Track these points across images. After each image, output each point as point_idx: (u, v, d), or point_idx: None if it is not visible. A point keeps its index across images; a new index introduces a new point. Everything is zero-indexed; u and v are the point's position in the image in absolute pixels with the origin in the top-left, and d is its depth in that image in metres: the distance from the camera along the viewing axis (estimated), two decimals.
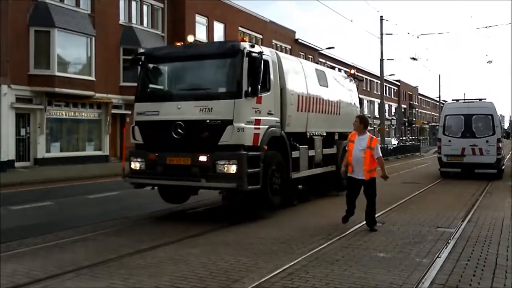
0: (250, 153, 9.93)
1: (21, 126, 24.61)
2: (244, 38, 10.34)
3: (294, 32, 53.65)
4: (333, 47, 54.47)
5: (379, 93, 49.23)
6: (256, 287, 5.87)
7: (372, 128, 66.99)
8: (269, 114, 10.71)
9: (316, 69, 13.57)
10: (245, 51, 10.01)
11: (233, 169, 9.70)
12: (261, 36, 44.32)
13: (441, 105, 63.91)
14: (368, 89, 74.94)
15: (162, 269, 6.63)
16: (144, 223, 10.20)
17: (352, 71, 16.03)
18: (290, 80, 11.65)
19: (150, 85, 10.87)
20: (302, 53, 52.80)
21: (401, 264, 6.91)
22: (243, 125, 9.78)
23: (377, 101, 68.14)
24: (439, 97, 79.52)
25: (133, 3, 32.00)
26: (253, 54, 10.03)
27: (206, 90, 10.27)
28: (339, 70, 16.67)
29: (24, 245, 8.20)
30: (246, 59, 9.99)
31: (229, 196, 11.18)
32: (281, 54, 11.79)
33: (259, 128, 10.27)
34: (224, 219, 10.40)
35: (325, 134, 13.49)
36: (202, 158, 9.78)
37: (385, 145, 40.93)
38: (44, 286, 6.02)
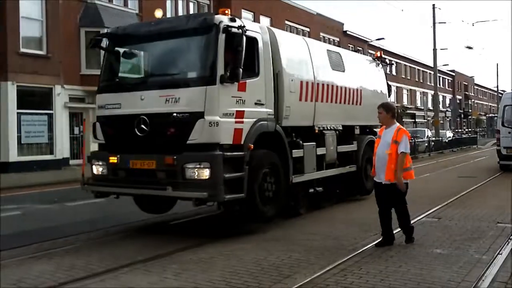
0: (229, 153, 7.80)
1: (75, 125, 24.70)
2: (226, 11, 8.18)
3: (342, 24, 51.75)
4: (383, 38, 52.60)
5: (433, 84, 46.62)
6: (308, 283, 5.70)
7: (425, 120, 63.49)
8: (258, 104, 8.53)
9: (328, 50, 11.17)
10: (221, 25, 7.85)
11: (205, 174, 7.59)
12: (308, 29, 42.89)
13: (499, 95, 59.65)
14: (421, 80, 71.58)
15: (214, 264, 6.57)
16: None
17: (378, 53, 13.50)
18: (289, 63, 9.39)
19: (113, 73, 8.90)
20: (351, 45, 51.10)
21: (459, 261, 6.61)
22: (217, 118, 7.66)
23: (430, 92, 64.53)
24: (497, 87, 74.97)
25: (180, 2, 31.25)
26: (233, 30, 7.86)
27: (173, 76, 8.20)
28: (385, 60, 13.96)
29: (80, 240, 8.31)
30: (222, 36, 7.84)
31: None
32: (277, 31, 9.54)
33: (242, 122, 8.10)
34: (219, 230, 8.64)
35: (341, 128, 11.14)
36: (169, 161, 7.72)
37: (440, 138, 38.41)
38: (101, 279, 6.06)
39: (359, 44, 53.34)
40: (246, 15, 35.13)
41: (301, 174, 9.63)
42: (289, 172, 9.16)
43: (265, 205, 8.53)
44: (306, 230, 8.66)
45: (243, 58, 7.78)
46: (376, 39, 50.48)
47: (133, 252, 7.28)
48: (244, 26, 7.96)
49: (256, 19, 35.85)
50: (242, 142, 8.08)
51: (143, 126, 7.97)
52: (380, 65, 13.46)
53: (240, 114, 8.07)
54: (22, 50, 21.55)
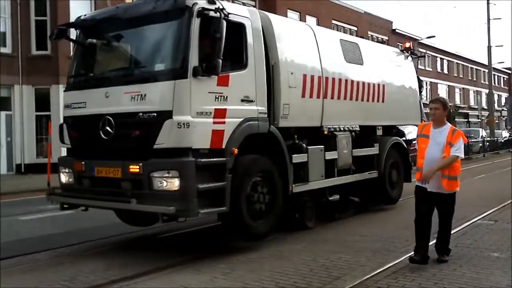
0: (205, 159, 6.50)
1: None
2: None
3: (391, 22, 50.00)
4: (433, 36, 50.18)
5: (487, 83, 44.47)
6: (358, 285, 5.56)
7: (479, 120, 60.17)
8: (245, 101, 7.15)
9: (342, 40, 9.64)
10: (195, 8, 6.52)
11: (174, 184, 6.32)
12: (355, 28, 41.46)
13: None
14: (475, 79, 68.05)
15: (262, 264, 6.48)
16: None
17: (407, 44, 11.80)
18: (288, 54, 7.96)
19: (80, 67, 7.73)
20: (400, 44, 48.32)
21: None
22: (188, 118, 6.34)
23: (484, 91, 61.05)
24: None
25: None
26: (210, 14, 6.56)
27: (139, 68, 6.95)
28: (415, 52, 12.30)
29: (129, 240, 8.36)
30: (196, 21, 6.52)
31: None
32: (273, 17, 8.12)
33: (222, 122, 6.76)
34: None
35: (357, 128, 9.63)
36: (134, 169, 6.48)
37: (495, 138, 36.65)
38: (152, 278, 6.04)
39: (427, 49, 51.30)
40: (292, 15, 34.01)
41: (305, 183, 8.19)
42: (288, 180, 7.77)
43: (255, 220, 7.17)
44: (356, 231, 8.39)
45: (222, 47, 6.44)
46: (427, 37, 48.03)
47: (182, 251, 7.26)
48: (223, 9, 6.61)
49: (302, 19, 34.44)
50: (223, 146, 6.75)
51: (107, 128, 6.77)
52: (410, 58, 11.78)
53: (220, 113, 6.74)
54: None
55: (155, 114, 6.37)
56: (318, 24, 35.08)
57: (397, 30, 49.50)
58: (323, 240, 7.79)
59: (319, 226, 8.64)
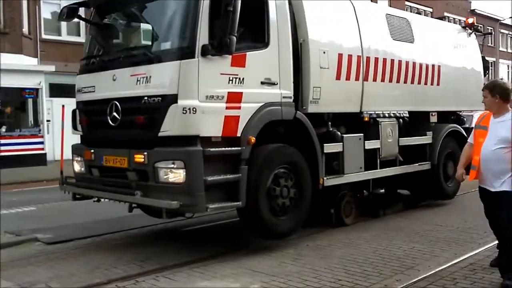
0: (215, 149, 5.82)
1: None
2: None
3: (470, 2, 46.97)
4: None
5: None
6: (432, 276, 5.27)
7: None
8: (266, 84, 6.35)
9: (388, 15, 8.53)
10: None
11: (180, 176, 5.69)
12: (430, 10, 39.32)
13: None
14: None
15: (332, 251, 6.37)
16: None
17: (470, 20, 10.43)
18: (320, 30, 7.04)
19: (93, 49, 7.15)
20: (479, 25, 45.47)
21: None
22: (196, 102, 5.65)
23: None
24: None
25: None
26: None
27: (145, 48, 6.31)
28: (479, 29, 10.82)
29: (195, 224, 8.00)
30: None
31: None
32: None
33: (237, 108, 6.01)
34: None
35: (406, 114, 8.57)
36: (139, 158, 5.89)
37: None
38: (221, 261, 6.01)
39: (489, 23, 47.99)
40: None
41: (340, 175, 7.31)
42: (318, 172, 6.93)
43: (278, 216, 6.42)
44: (431, 221, 8.04)
45: (236, 22, 5.68)
46: (510, 17, 44.74)
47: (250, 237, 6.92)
48: None
49: (373, 1, 32.80)
50: (238, 134, 6.02)
51: (115, 113, 6.22)
52: (473, 35, 10.45)
53: (234, 97, 5.99)
54: None
55: (160, 99, 5.74)
56: (390, 5, 33.55)
57: (476, 10, 46.29)
58: (396, 229, 7.53)
59: (391, 216, 8.40)
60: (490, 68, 47.50)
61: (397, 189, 9.42)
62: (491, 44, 49.06)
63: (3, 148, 17.44)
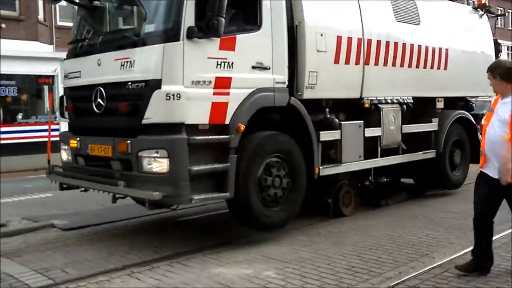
0: (201, 137, 5.51)
1: None
2: None
3: None
4: None
5: None
6: (448, 263, 5.14)
7: None
8: (258, 68, 6.01)
9: None
10: None
11: (163, 165, 5.41)
12: None
13: None
14: None
15: (344, 238, 6.30)
16: None
17: (483, 1, 9.88)
18: (316, 11, 6.64)
19: (81, 32, 6.83)
20: (500, 8, 44.31)
21: None
22: (181, 88, 5.34)
23: None
24: None
25: None
26: None
27: (129, 31, 6.01)
28: (491, 10, 10.13)
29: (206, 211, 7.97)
30: None
31: None
32: None
33: (226, 94, 5.69)
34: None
35: (410, 100, 8.16)
36: (122, 147, 5.61)
37: None
38: (234, 247, 5.99)
39: (503, 5, 46.59)
40: None
41: (337, 164, 6.98)
42: (313, 161, 6.61)
43: (270, 207, 6.13)
44: (446, 208, 7.92)
45: (225, 3, 5.35)
46: None
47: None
48: None
49: None
50: (226, 122, 5.71)
51: (99, 100, 5.94)
52: (485, 17, 9.94)
53: (223, 82, 5.67)
54: None
55: (144, 84, 5.44)
56: None
57: None
58: (411, 216, 7.43)
59: (406, 203, 8.32)
60: (507, 52, 45.72)
61: (401, 178, 9.06)
62: (507, 27, 47.88)
63: (19, 135, 17.41)
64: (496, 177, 4.62)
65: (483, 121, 5.04)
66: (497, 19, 11.31)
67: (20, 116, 18.00)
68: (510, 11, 47.13)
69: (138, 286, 4.79)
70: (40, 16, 19.23)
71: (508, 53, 47.03)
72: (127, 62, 5.60)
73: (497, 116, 4.71)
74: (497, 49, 9.99)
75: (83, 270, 5.31)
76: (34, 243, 6.46)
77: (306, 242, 6.12)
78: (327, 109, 6.97)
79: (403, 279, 4.77)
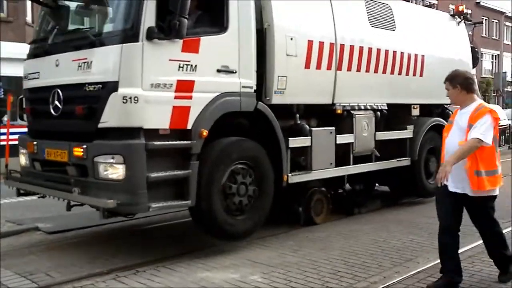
0: (159, 142, 5.24)
1: None
2: None
3: None
4: None
5: None
6: (432, 268, 5.12)
7: None
8: (224, 72, 5.74)
9: (367, 0, 7.92)
10: None
11: (119, 172, 5.13)
12: (435, 1, 37.88)
13: None
14: None
15: (331, 243, 6.33)
16: None
17: (460, 8, 9.74)
18: (287, 14, 6.41)
19: (41, 31, 6.51)
20: (484, 17, 45.20)
21: None
22: (139, 91, 5.06)
23: None
24: None
25: None
26: None
27: (87, 31, 5.73)
28: (469, 17, 10.03)
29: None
30: None
31: None
32: None
33: (189, 98, 5.42)
34: None
35: (384, 107, 7.96)
36: (77, 152, 5.32)
37: None
38: (221, 252, 5.90)
39: (494, 16, 47.01)
40: None
41: (307, 172, 6.74)
42: (282, 168, 6.36)
43: (234, 216, 5.87)
44: (431, 214, 7.62)
45: (187, 3, 5.11)
46: None
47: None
48: None
49: None
50: (188, 127, 5.45)
51: (57, 102, 5.65)
52: (463, 24, 9.78)
53: (185, 86, 5.40)
54: None
55: (100, 86, 5.16)
56: None
57: (481, 3, 45.24)
58: (396, 221, 7.49)
59: (392, 208, 8.37)
60: (492, 61, 45.88)
61: (376, 186, 8.86)
62: (496, 37, 48.18)
63: (3, 137, 17.03)
64: (453, 190, 4.48)
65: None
66: (475, 26, 11.15)
67: (5, 117, 17.67)
68: (494, 20, 47.52)
69: None
70: (28, 18, 18.96)
71: (492, 62, 47.40)
72: (84, 63, 5.32)
73: (457, 126, 4.57)
74: (475, 56, 9.82)
75: (67, 274, 5.20)
76: (18, 246, 6.34)
77: (294, 246, 6.13)
78: (298, 115, 6.74)
79: (387, 283, 4.78)
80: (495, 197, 4.57)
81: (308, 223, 7.10)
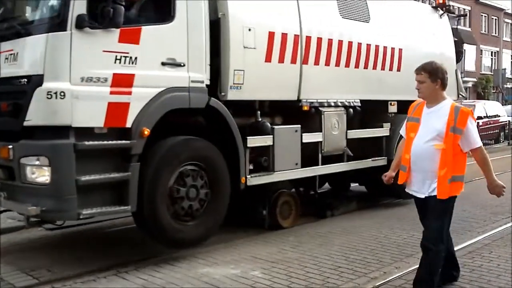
0: (91, 142, 4.68)
1: None
2: None
3: None
4: None
5: None
6: None
7: None
8: (170, 65, 5.18)
9: None
10: None
11: (45, 175, 4.56)
12: None
13: None
14: None
15: (332, 239, 6.21)
16: None
17: (441, 0, 9.09)
18: (244, 3, 5.85)
19: None
20: (484, 14, 44.38)
21: None
22: (66, 85, 4.49)
23: None
24: None
25: None
26: None
27: (14, 20, 5.14)
28: (451, 9, 9.38)
29: None
30: None
31: None
32: None
33: (127, 93, 4.85)
34: None
35: (357, 103, 7.35)
36: (3, 153, 4.75)
37: None
38: (222, 248, 5.78)
39: (493, 13, 46.15)
40: None
41: (269, 173, 6.16)
42: (239, 170, 5.78)
43: (183, 222, 5.30)
44: None
45: None
46: None
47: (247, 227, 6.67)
48: None
49: None
50: (128, 125, 4.88)
51: None
52: (446, 16, 9.14)
53: (123, 80, 4.82)
54: None
55: (26, 80, 4.61)
56: None
57: (480, 0, 44.26)
58: (396, 217, 7.35)
59: (392, 205, 8.14)
60: (491, 57, 44.88)
61: (350, 186, 8.27)
62: (495, 34, 47.31)
63: None
64: (423, 196, 4.04)
65: (402, 132, 4.41)
66: (458, 19, 10.51)
67: None
68: (494, 17, 46.67)
69: (125, 286, 4.65)
70: None
71: (492, 58, 46.53)
72: (11, 55, 4.78)
73: (427, 128, 4.02)
74: (458, 51, 9.19)
75: (68, 270, 5.07)
76: (18, 243, 6.21)
77: (294, 242, 6.05)
78: (259, 112, 6.16)
79: (388, 279, 4.73)
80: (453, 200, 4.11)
81: (275, 228, 6.55)
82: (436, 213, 4.06)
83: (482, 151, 4.00)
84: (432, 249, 4.00)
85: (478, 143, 3.97)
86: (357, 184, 8.74)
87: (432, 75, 4.03)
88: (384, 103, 7.91)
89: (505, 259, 5.27)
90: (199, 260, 5.35)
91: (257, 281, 4.73)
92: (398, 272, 4.89)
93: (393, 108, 8.00)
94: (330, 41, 6.79)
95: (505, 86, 33.43)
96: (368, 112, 7.56)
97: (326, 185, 8.40)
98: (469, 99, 28.25)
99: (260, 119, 6.13)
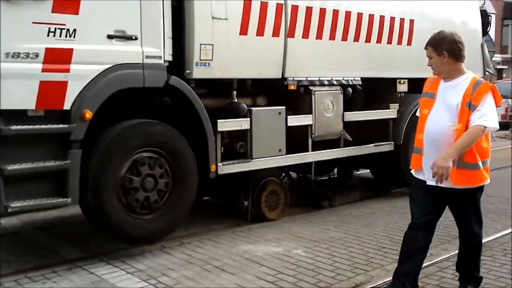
0: (20, 126, 4.04)
1: None
2: None
3: None
4: None
5: None
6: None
7: None
8: (117, 38, 4.46)
9: None
10: None
11: None
12: None
13: None
14: None
15: (375, 219, 6.08)
16: None
17: None
18: None
19: None
20: None
21: None
22: None
23: None
24: None
25: None
26: None
27: None
28: None
29: None
30: None
31: None
32: None
33: (65, 70, 4.17)
34: None
35: (358, 82, 6.41)
36: None
37: None
38: (264, 226, 5.71)
39: None
40: None
41: (246, 160, 5.39)
42: (209, 157, 5.05)
43: (139, 215, 4.64)
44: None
45: None
46: None
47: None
48: None
49: None
50: (67, 107, 4.23)
51: None
52: None
53: (58, 56, 4.14)
54: None
55: None
56: None
57: None
58: None
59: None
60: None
61: (353, 173, 7.39)
62: None
63: None
64: (433, 184, 3.44)
65: (418, 113, 3.81)
66: None
67: None
68: None
69: (170, 260, 4.65)
70: None
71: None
72: None
73: (443, 103, 3.50)
74: (485, 21, 8.01)
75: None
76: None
77: (337, 222, 5.95)
78: (235, 92, 5.37)
79: (434, 260, 4.57)
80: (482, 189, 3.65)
81: (260, 220, 5.81)
82: (469, 203, 3.66)
83: (480, 132, 3.33)
84: (481, 242, 3.76)
85: (484, 121, 3.32)
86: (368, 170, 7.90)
87: (436, 48, 3.49)
88: (392, 82, 6.92)
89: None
90: (241, 237, 5.34)
91: (299, 259, 4.67)
92: (445, 254, 4.71)
93: (402, 87, 6.99)
94: (322, 11, 5.87)
95: None
96: (373, 91, 6.64)
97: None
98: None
99: (235, 100, 5.35)
